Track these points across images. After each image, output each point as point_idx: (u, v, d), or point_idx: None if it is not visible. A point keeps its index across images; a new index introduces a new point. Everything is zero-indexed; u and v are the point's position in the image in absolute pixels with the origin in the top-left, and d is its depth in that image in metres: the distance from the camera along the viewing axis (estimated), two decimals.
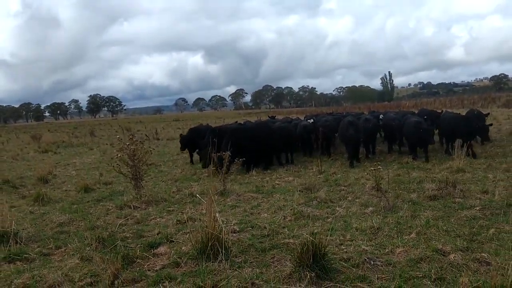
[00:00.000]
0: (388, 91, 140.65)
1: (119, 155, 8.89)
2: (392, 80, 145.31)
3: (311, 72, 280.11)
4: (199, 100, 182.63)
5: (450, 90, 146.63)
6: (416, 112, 18.99)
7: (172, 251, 5.57)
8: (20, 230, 6.82)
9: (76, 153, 22.83)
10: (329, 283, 4.28)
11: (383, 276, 4.43)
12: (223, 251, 5.08)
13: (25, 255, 5.93)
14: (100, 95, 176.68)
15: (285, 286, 4.29)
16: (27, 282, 4.92)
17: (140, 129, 42.82)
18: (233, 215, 7.44)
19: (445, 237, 5.53)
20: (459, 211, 6.80)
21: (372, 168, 8.12)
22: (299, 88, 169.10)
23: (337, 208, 7.42)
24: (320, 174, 11.21)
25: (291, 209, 7.39)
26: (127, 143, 9.02)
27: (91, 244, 5.99)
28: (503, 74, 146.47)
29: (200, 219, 6.87)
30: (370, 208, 7.30)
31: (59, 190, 11.34)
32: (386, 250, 5.18)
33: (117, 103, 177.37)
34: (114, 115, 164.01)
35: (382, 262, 4.79)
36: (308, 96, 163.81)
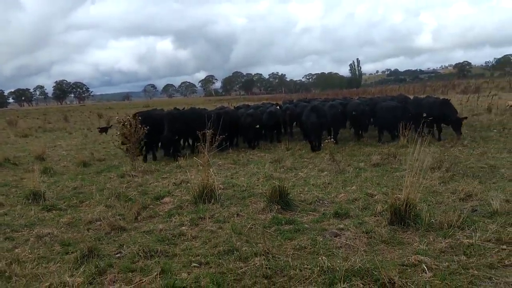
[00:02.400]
0: (356, 78, 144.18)
1: (118, 133, 10.58)
2: (360, 67, 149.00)
3: (282, 59, 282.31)
4: (168, 86, 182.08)
5: (416, 77, 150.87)
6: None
7: (175, 200, 7.45)
8: (46, 191, 8.48)
9: (57, 137, 23.93)
10: (291, 212, 6.25)
11: (327, 208, 6.44)
12: (215, 197, 6.97)
13: (58, 207, 7.65)
14: (66, 81, 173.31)
15: (260, 215, 6.22)
16: (70, 221, 6.68)
17: (112, 115, 43.81)
18: (217, 179, 9.33)
19: (376, 187, 7.58)
20: (392, 173, 8.88)
21: (327, 141, 10.09)
22: (269, 75, 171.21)
23: (299, 173, 9.41)
24: (287, 150, 13.17)
25: (262, 174, 9.31)
26: (123, 124, 10.71)
27: (110, 198, 7.78)
28: (466, 61, 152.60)
29: (190, 182, 8.70)
30: (325, 172, 9.31)
31: (58, 166, 12.86)
32: (333, 195, 7.19)
33: (84, 89, 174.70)
34: (81, 102, 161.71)
35: (328, 201, 6.81)
36: (278, 82, 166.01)
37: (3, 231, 6.44)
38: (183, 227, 5.93)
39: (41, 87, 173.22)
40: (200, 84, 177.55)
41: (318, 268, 4.18)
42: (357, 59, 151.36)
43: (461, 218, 5.22)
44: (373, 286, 3.83)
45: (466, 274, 3.95)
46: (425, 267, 4.09)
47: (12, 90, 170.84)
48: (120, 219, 6.44)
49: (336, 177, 8.70)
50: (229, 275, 4.24)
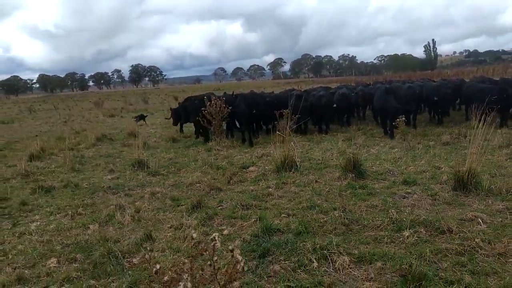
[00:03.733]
0: (431, 59, 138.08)
1: (205, 111, 11.83)
2: (436, 48, 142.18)
3: (352, 40, 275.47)
4: (237, 69, 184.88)
5: (498, 57, 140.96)
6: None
7: (259, 169, 8.54)
8: (149, 160, 9.91)
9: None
10: (363, 180, 7.09)
11: (397, 177, 7.21)
12: (295, 167, 7.97)
13: (160, 173, 9.03)
14: (141, 65, 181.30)
15: (336, 181, 7.13)
16: (174, 183, 7.99)
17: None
18: (296, 150, 10.30)
19: (444, 162, 8.19)
20: (461, 150, 9.37)
21: (398, 120, 10.69)
22: (339, 57, 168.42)
23: (371, 150, 10.14)
24: (358, 130, 13.85)
25: (336, 150, 10.15)
26: (209, 103, 11.95)
27: (203, 166, 9.04)
28: None
29: (271, 155, 9.74)
30: (396, 149, 9.96)
31: (150, 142, 14.48)
32: (402, 168, 7.91)
33: (158, 73, 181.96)
34: (155, 85, 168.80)
35: (397, 172, 7.56)
36: (348, 65, 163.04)
37: (122, 190, 7.88)
38: (270, 189, 7.00)
39: (119, 71, 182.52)
40: (268, 67, 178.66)
41: (388, 219, 5.06)
42: (433, 39, 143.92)
43: None
44: (433, 233, 4.64)
45: None
46: (481, 221, 4.84)
47: (92, 74, 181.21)
48: (216, 182, 7.64)
49: (406, 153, 9.35)
50: (313, 223, 5.22)
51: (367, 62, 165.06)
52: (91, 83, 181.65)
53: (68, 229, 5.88)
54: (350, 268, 4.06)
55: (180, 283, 2.57)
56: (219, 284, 2.77)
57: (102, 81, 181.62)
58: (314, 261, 4.17)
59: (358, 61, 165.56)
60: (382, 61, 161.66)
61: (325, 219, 5.35)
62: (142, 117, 20.93)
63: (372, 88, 16.59)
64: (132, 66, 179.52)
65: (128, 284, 4.10)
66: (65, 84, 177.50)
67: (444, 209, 5.49)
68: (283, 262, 4.26)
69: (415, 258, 4.00)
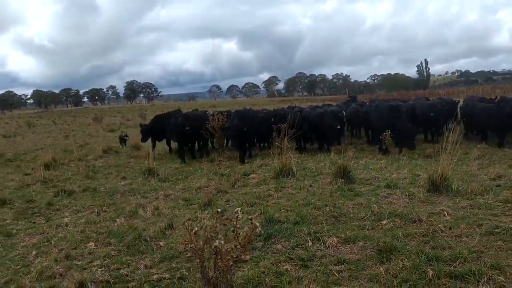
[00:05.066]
0: (423, 79, 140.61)
1: (209, 125, 12.87)
2: (428, 68, 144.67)
3: (347, 59, 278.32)
4: (232, 87, 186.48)
5: (489, 78, 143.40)
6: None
7: (260, 176, 9.56)
8: (157, 169, 10.89)
9: (139, 132, 26.93)
10: (351, 184, 8.12)
11: (381, 183, 8.25)
12: (292, 173, 9.00)
13: (170, 180, 10.02)
14: (136, 81, 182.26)
15: (328, 186, 8.15)
16: (184, 187, 8.99)
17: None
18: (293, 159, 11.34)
19: (424, 170, 9.22)
20: (438, 161, 10.45)
21: (385, 134, 11.75)
22: (332, 76, 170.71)
23: (360, 161, 11.19)
24: (350, 144, 14.91)
25: (328, 161, 11.19)
26: (212, 117, 13.00)
27: (208, 174, 10.06)
28: None
29: (270, 164, 10.75)
30: (383, 161, 11.02)
31: (153, 154, 15.46)
32: (386, 175, 8.96)
33: (153, 89, 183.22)
34: (150, 102, 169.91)
35: (382, 179, 8.61)
36: (342, 83, 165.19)
37: (138, 193, 8.86)
38: (270, 191, 8.01)
39: (113, 87, 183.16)
40: (263, 85, 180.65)
41: (370, 212, 6.10)
42: (425, 59, 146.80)
43: (482, 188, 6.90)
44: (407, 222, 5.68)
45: (474, 218, 5.70)
46: (446, 214, 5.88)
47: (87, 90, 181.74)
48: (221, 186, 8.64)
49: (392, 163, 10.41)
50: (308, 216, 6.23)
51: (360, 81, 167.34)
52: (85, 99, 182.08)
53: (97, 222, 6.84)
54: (338, 246, 5.07)
55: (215, 240, 3.58)
56: (240, 244, 3.77)
57: (96, 97, 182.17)
58: (309, 241, 5.18)
59: (352, 80, 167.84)
60: (375, 80, 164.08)
61: (318, 213, 6.36)
62: (124, 140, 18.42)
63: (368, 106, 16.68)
64: (127, 82, 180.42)
65: (159, 259, 5.08)
66: (60, 99, 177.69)
67: (418, 205, 6.51)
68: (283, 242, 5.26)
69: (389, 238, 5.02)
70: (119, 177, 10.91)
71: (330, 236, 5.28)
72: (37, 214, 7.86)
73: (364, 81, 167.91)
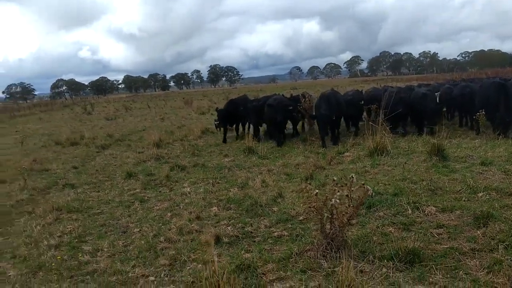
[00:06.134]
0: None
1: (301, 107, 13.60)
2: None
3: (433, 37, 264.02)
4: (313, 68, 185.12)
5: None
6: None
7: (353, 154, 10.15)
8: (256, 148, 11.84)
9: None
10: (446, 162, 8.46)
11: (475, 160, 8.50)
12: (387, 152, 9.49)
13: (269, 157, 10.94)
14: (219, 65, 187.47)
15: (423, 163, 8.56)
16: (283, 164, 9.85)
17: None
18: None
19: None
20: None
21: (478, 114, 11.70)
22: (419, 54, 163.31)
23: (453, 141, 11.31)
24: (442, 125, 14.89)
25: (421, 141, 11.45)
26: (304, 100, 13.70)
27: (304, 152, 10.84)
28: None
29: (362, 144, 11.25)
30: (477, 140, 11.07)
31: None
32: (481, 154, 9.14)
33: (235, 73, 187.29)
34: (232, 85, 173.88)
35: (476, 157, 8.82)
36: (429, 62, 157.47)
37: (241, 168, 9.87)
38: (366, 168, 8.62)
39: (198, 71, 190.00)
40: (345, 65, 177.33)
41: (466, 186, 6.52)
42: None
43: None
44: (503, 196, 6.06)
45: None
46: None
47: (173, 75, 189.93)
48: (318, 163, 9.38)
49: (486, 143, 10.48)
50: (405, 189, 6.79)
51: (449, 59, 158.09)
52: (171, 83, 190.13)
53: (214, 192, 7.92)
54: (436, 214, 5.63)
55: (332, 199, 4.34)
56: (353, 206, 4.50)
57: (182, 82, 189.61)
58: (409, 209, 5.79)
59: (440, 58, 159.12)
60: (467, 58, 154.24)
61: (415, 187, 6.89)
62: None
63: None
64: (210, 66, 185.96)
65: (275, 221, 5.97)
66: (148, 84, 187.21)
67: None
68: (385, 210, 5.92)
69: (486, 208, 5.47)
70: (221, 154, 12.04)
71: (428, 206, 5.84)
72: (160, 185, 9.14)
73: (454, 58, 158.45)
